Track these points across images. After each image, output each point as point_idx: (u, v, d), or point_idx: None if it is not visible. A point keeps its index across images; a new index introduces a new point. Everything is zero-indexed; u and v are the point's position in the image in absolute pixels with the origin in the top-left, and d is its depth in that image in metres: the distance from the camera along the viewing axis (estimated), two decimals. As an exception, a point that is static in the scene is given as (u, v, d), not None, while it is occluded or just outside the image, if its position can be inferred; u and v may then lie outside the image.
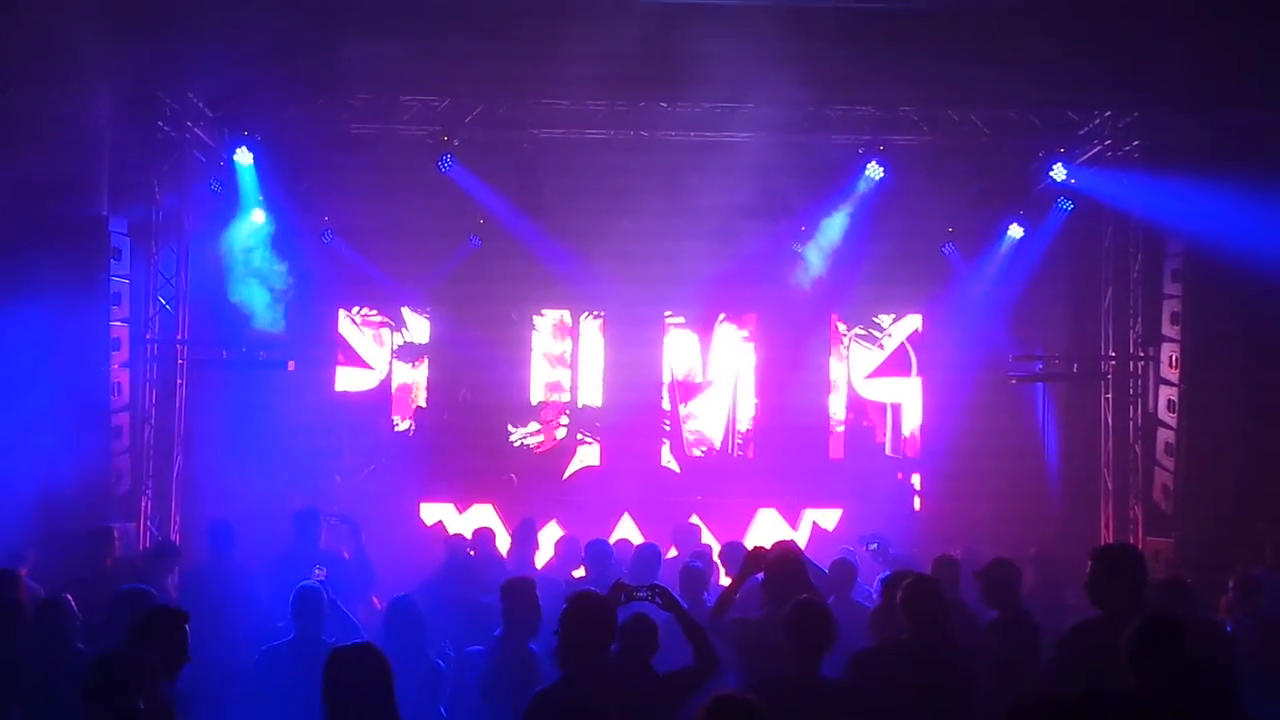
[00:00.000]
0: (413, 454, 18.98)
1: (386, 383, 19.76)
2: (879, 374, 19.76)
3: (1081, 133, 16.61)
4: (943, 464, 18.55)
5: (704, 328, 19.76)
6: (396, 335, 19.78)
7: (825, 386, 19.72)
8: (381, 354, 19.76)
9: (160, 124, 15.89)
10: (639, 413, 19.47)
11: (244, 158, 16.35)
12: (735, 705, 6.14)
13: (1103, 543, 16.14)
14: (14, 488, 13.39)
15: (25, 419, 13.83)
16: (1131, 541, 16.00)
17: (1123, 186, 16.50)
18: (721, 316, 19.71)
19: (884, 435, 19.68)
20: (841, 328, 19.76)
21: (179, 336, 16.67)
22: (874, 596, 10.46)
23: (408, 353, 19.69)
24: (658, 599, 8.04)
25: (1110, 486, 17.04)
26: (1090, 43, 14.24)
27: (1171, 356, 16.25)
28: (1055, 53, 14.15)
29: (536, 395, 19.61)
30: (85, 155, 15.41)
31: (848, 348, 19.77)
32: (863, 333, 19.70)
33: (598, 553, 11.93)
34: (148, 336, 16.23)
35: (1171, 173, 15.77)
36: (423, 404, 19.74)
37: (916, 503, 18.91)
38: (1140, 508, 16.55)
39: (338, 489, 17.41)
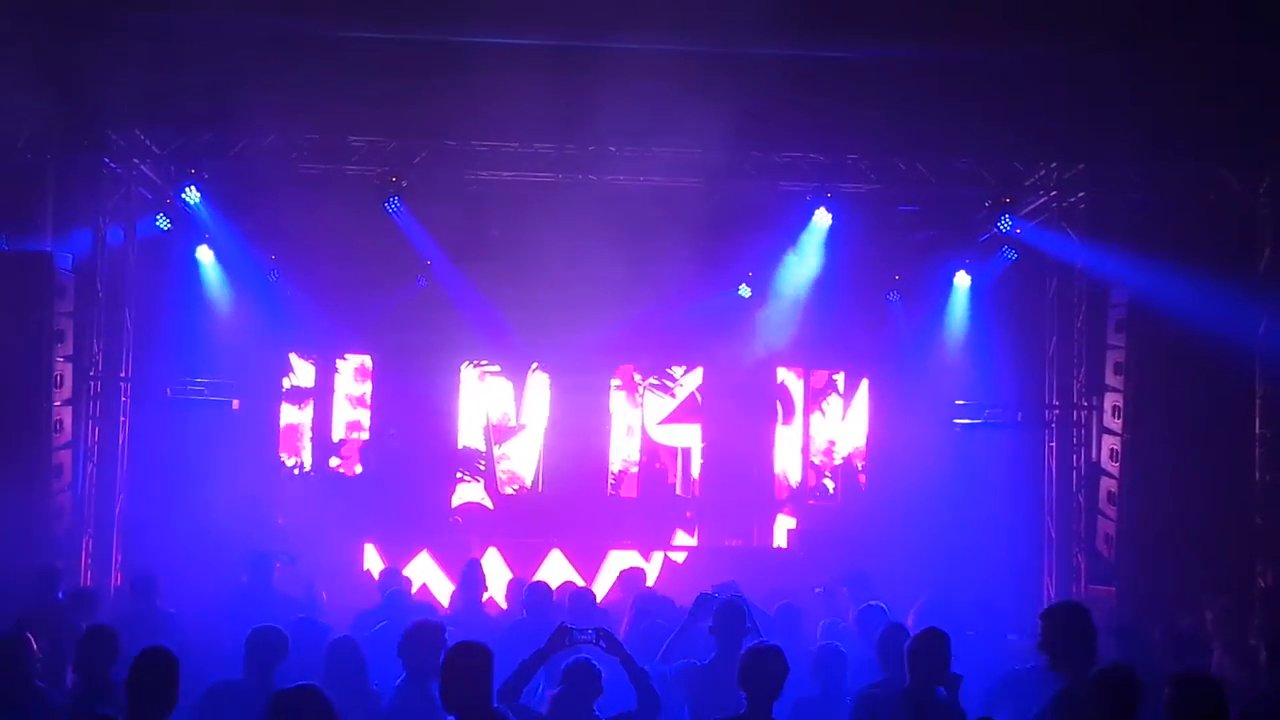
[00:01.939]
0: (354, 493, 19.02)
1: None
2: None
3: (1027, 184, 16.76)
4: (888, 511, 18.57)
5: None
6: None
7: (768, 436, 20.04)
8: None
9: (107, 160, 15.88)
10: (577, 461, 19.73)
11: (192, 196, 16.30)
12: None
13: (1044, 590, 16.66)
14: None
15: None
16: (1075, 589, 16.34)
17: (1067, 237, 16.71)
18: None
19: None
20: (782, 372, 20.06)
21: (123, 374, 16.55)
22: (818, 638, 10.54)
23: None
24: (601, 643, 8.11)
25: (1053, 534, 17.07)
26: (1036, 95, 14.38)
27: (1114, 406, 16.44)
28: (1002, 104, 14.30)
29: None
30: (30, 191, 15.40)
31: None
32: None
33: (537, 596, 11.85)
34: (91, 374, 16.10)
35: (1116, 224, 16.12)
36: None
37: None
38: (1083, 556, 16.61)
39: (280, 529, 17.27)
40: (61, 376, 15.44)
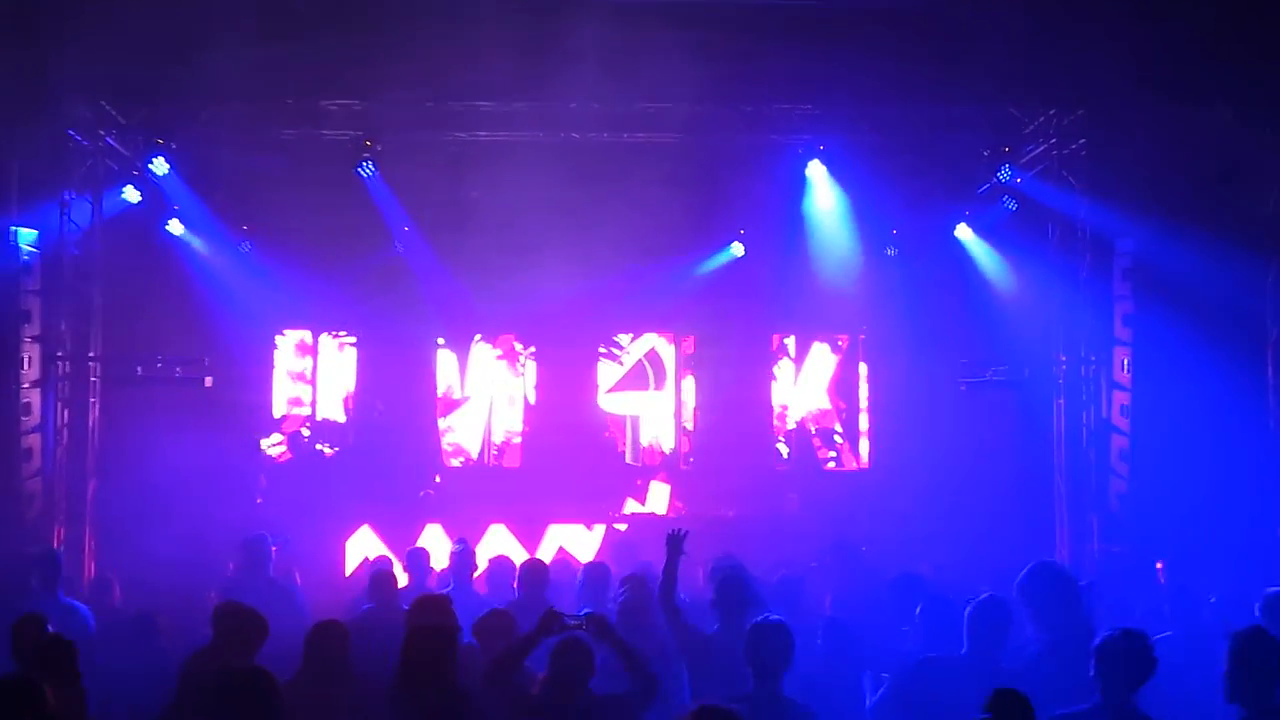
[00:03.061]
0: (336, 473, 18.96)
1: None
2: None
3: (1027, 130, 16.71)
4: (894, 475, 18.56)
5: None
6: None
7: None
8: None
9: (71, 133, 15.68)
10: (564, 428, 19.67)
11: (160, 167, 16.15)
12: (719, 715, 6.26)
13: (1056, 551, 16.54)
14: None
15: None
16: (1087, 549, 16.46)
17: (1069, 185, 16.64)
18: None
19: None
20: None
21: (91, 354, 16.39)
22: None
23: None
24: (591, 628, 8.20)
25: (1064, 494, 17.06)
26: (1033, 39, 14.45)
27: (1123, 360, 16.49)
28: (999, 49, 14.42)
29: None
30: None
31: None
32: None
33: (532, 575, 11.56)
34: (59, 354, 16.03)
35: (1119, 170, 16.03)
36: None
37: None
38: (1095, 515, 16.57)
39: (259, 510, 17.45)
40: (29, 357, 15.39)
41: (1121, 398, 16.53)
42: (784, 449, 20.00)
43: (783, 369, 20.05)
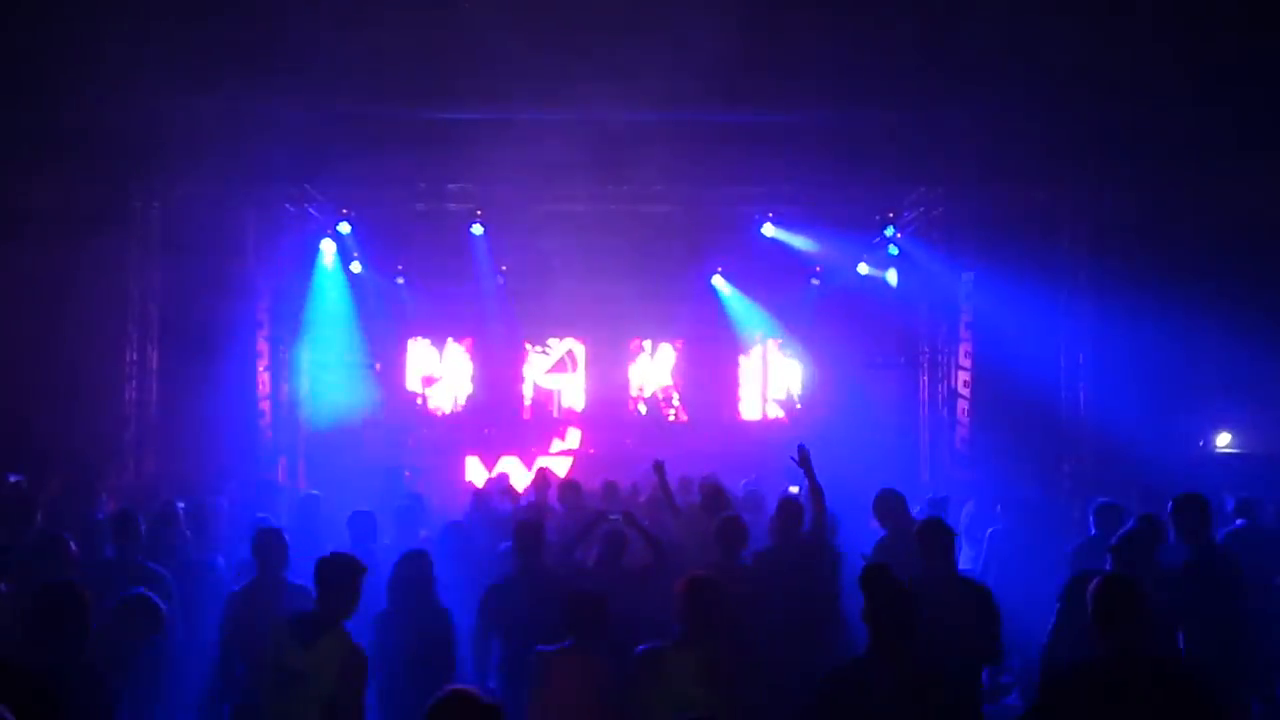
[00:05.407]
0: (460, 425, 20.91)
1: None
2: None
3: (905, 202, 17.33)
4: (823, 430, 17.57)
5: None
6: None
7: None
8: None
9: (287, 205, 17.10)
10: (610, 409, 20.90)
11: (343, 226, 18.06)
12: (706, 582, 6.69)
13: (920, 477, 17.04)
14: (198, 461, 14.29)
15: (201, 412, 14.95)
16: (942, 476, 16.82)
17: (932, 238, 17.19)
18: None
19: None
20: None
21: (301, 349, 18.21)
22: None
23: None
24: (628, 521, 8.71)
25: (927, 439, 18.40)
26: (911, 142, 14.07)
27: (965, 349, 17.58)
28: (887, 149, 14.14)
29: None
30: (237, 228, 16.22)
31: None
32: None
33: (570, 493, 11.71)
34: (281, 349, 17.90)
35: (964, 228, 16.43)
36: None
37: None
38: (948, 453, 17.74)
39: (411, 449, 19.01)
40: (262, 351, 17.26)
41: (965, 375, 17.29)
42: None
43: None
